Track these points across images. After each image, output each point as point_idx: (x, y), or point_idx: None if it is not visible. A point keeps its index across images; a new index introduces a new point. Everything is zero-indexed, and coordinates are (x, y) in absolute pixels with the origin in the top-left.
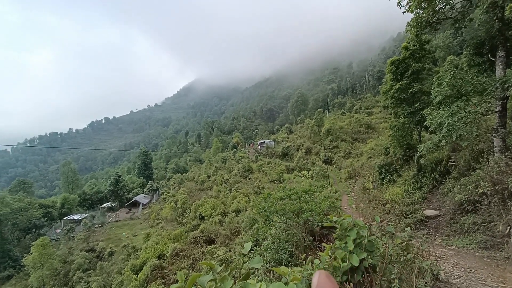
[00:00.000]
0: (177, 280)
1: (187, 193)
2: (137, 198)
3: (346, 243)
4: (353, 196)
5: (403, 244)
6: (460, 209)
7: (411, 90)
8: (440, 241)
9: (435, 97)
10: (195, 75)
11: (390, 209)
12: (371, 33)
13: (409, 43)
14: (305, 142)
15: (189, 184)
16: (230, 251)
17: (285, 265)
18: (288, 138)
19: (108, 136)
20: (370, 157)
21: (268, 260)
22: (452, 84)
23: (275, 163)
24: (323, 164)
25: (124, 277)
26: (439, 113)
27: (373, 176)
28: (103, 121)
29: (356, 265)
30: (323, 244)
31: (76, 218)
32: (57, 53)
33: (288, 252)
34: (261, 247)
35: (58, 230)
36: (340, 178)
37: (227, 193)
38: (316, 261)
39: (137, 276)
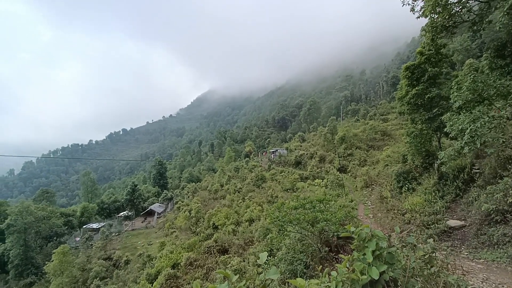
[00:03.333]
0: None
1: (201, 202)
2: (152, 207)
3: (364, 254)
4: (370, 205)
5: (426, 257)
6: (488, 219)
7: (428, 95)
8: (466, 253)
9: (455, 102)
10: (208, 86)
11: (410, 219)
12: (384, 39)
13: (424, 47)
14: (319, 150)
15: (203, 193)
16: (244, 261)
17: (301, 277)
18: (301, 146)
19: (126, 146)
20: (387, 165)
21: (283, 271)
22: (472, 88)
23: (288, 172)
24: (338, 172)
25: (139, 286)
26: (460, 118)
27: (391, 185)
28: (121, 132)
29: (376, 278)
30: (341, 256)
31: (95, 227)
32: (82, 69)
33: (304, 263)
34: (276, 257)
35: (78, 238)
36: (356, 186)
37: (240, 202)
38: (334, 273)
39: (152, 285)
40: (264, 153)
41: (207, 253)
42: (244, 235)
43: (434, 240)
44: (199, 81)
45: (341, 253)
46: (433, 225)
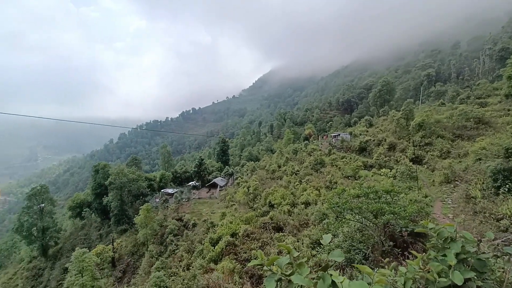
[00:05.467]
0: (250, 258)
1: (259, 180)
2: (215, 180)
3: (444, 255)
4: (451, 204)
5: None
6: None
7: None
8: None
9: None
10: (270, 67)
11: (508, 226)
12: (490, 1)
13: None
14: (388, 137)
15: (261, 172)
16: (298, 241)
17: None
18: (367, 131)
19: (194, 124)
20: (480, 159)
21: None
22: None
23: (350, 158)
24: (411, 163)
25: (204, 247)
26: None
27: (483, 183)
28: (191, 111)
29: (459, 284)
30: (413, 252)
31: (170, 192)
32: (161, 54)
33: (363, 253)
34: (331, 243)
35: (157, 200)
36: (433, 181)
37: (297, 184)
38: (402, 268)
39: (214, 248)
40: (324, 137)
41: (262, 228)
42: (300, 216)
43: None
44: (261, 63)
45: (410, 250)
46: None
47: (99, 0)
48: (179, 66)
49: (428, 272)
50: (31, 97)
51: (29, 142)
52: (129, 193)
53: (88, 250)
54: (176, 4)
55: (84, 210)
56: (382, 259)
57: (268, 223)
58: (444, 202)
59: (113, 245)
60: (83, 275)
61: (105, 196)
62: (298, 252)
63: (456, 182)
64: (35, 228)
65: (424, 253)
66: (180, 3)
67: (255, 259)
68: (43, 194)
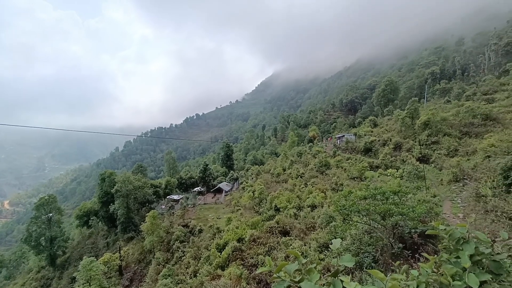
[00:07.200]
0: (257, 263)
1: (264, 184)
2: (220, 185)
3: (458, 258)
4: (460, 203)
5: None
6: None
7: None
8: None
9: None
10: (272, 70)
11: None
12: None
13: None
14: (394, 136)
15: (265, 176)
16: (305, 245)
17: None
18: (372, 132)
19: (198, 130)
20: (489, 156)
21: None
22: None
23: (355, 159)
24: (417, 162)
25: (210, 253)
26: None
27: (494, 181)
28: (195, 117)
29: (475, 287)
30: (424, 255)
31: (175, 198)
32: (166, 61)
33: (372, 256)
34: (339, 247)
35: (163, 206)
36: (441, 180)
37: (303, 187)
38: (414, 272)
39: (220, 254)
40: (329, 139)
41: (269, 233)
42: (306, 220)
43: None
44: (264, 66)
45: (420, 253)
46: None
47: (104, 12)
48: (183, 73)
49: (442, 275)
50: (43, 107)
51: (38, 152)
52: (135, 200)
53: (95, 259)
54: (180, 12)
55: (91, 218)
56: (392, 262)
57: (275, 227)
58: (453, 202)
59: (120, 253)
60: (91, 284)
61: (111, 204)
62: (306, 258)
63: (465, 181)
64: (43, 238)
65: (436, 255)
66: (183, 11)
67: (262, 264)
68: (51, 204)
